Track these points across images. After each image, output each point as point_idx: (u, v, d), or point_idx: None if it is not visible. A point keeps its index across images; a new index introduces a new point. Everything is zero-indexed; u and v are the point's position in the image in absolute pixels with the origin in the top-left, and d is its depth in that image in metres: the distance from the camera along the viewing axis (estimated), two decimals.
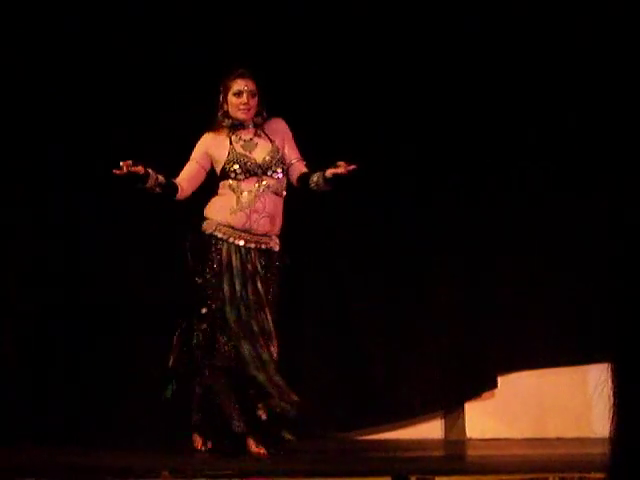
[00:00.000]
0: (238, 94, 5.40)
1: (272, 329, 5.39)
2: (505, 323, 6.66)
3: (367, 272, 6.68)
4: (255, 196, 5.35)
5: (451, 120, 6.70)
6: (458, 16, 6.65)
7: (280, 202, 5.45)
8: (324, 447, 6.21)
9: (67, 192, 6.49)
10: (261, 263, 5.39)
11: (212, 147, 5.48)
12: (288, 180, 5.55)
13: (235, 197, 5.36)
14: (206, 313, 5.37)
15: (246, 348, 5.32)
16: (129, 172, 5.20)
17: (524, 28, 6.66)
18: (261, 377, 5.31)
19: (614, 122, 6.55)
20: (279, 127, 5.54)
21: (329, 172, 5.32)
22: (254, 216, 5.34)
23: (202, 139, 5.54)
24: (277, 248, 5.45)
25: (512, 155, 6.69)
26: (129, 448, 5.84)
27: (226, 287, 5.34)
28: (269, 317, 5.40)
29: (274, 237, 5.44)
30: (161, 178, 5.39)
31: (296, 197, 5.77)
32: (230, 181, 5.39)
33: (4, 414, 6.26)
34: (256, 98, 5.45)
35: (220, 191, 5.46)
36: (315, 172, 5.45)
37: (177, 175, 5.56)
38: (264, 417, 5.30)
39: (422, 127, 6.69)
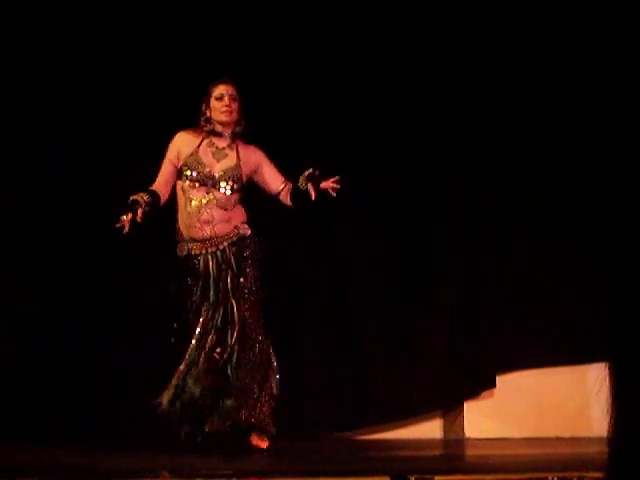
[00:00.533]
0: (220, 98, 5.56)
1: (236, 318, 5.45)
2: (504, 323, 6.66)
3: (367, 272, 6.68)
4: (200, 207, 5.47)
5: (451, 120, 6.71)
6: (456, 17, 6.67)
7: (231, 212, 5.54)
8: (323, 447, 6.22)
9: (67, 192, 6.50)
10: (234, 255, 5.51)
11: (183, 145, 5.59)
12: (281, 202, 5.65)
13: (184, 201, 5.50)
14: (177, 327, 5.56)
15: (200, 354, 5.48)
16: (133, 223, 5.38)
17: (522, 28, 6.67)
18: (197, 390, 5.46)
19: (614, 122, 6.55)
20: (254, 155, 5.64)
21: (323, 185, 5.45)
22: (207, 227, 5.49)
23: (175, 138, 5.64)
24: (248, 232, 5.55)
25: (512, 155, 6.69)
26: (128, 448, 5.84)
27: (198, 294, 5.50)
28: (236, 308, 5.46)
29: (240, 225, 5.55)
30: (147, 198, 5.48)
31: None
32: (182, 183, 5.54)
33: (4, 414, 6.27)
34: (237, 103, 5.59)
35: (177, 191, 5.59)
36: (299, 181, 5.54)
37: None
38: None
39: (422, 127, 6.70)
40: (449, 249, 6.71)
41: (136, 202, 5.42)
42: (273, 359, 5.58)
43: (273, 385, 5.54)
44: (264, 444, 5.44)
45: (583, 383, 6.56)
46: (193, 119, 5.80)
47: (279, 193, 5.64)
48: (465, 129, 6.70)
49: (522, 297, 6.67)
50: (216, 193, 5.49)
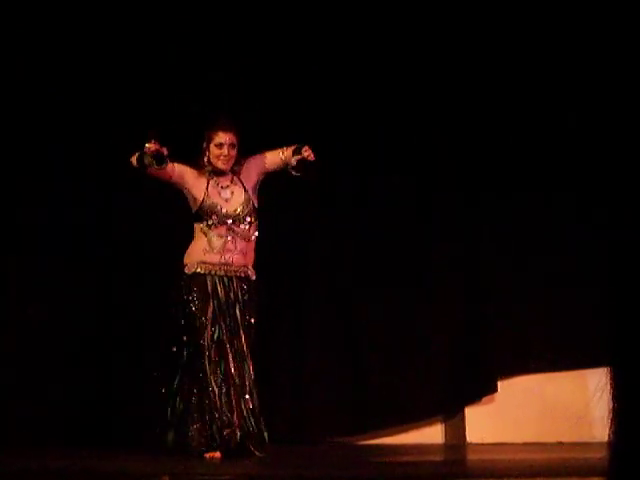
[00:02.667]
0: (219, 146, 5.73)
1: (246, 352, 5.62)
2: (505, 327, 6.65)
3: (367, 276, 6.68)
4: (225, 241, 5.67)
5: (449, 122, 6.71)
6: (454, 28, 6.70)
7: (250, 243, 5.75)
8: (324, 452, 6.20)
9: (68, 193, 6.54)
10: (242, 290, 5.69)
11: (192, 179, 5.74)
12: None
13: (207, 240, 5.69)
14: (188, 340, 5.63)
15: (215, 368, 5.58)
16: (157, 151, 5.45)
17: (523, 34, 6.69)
18: (222, 400, 5.54)
19: (618, 126, 6.53)
20: (249, 166, 5.81)
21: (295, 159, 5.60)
22: (227, 254, 5.69)
23: (186, 166, 5.74)
24: (254, 277, 5.75)
25: (513, 157, 6.69)
26: (130, 452, 5.84)
27: (210, 313, 5.62)
28: (244, 341, 5.63)
29: (250, 267, 5.74)
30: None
31: (296, 201, 5.86)
32: (202, 225, 5.71)
33: (5, 417, 6.27)
34: (236, 149, 5.76)
35: (195, 234, 5.76)
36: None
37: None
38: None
39: (421, 129, 6.71)
40: (449, 253, 6.70)
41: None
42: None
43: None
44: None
45: (584, 388, 6.55)
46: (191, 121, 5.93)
47: (285, 160, 5.70)
48: (464, 131, 6.71)
49: (523, 302, 6.66)
50: (236, 228, 5.70)
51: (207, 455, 5.46)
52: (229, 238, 5.67)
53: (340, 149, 6.56)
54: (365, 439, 6.69)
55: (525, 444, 6.58)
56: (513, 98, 6.70)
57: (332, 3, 6.70)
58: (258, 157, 5.79)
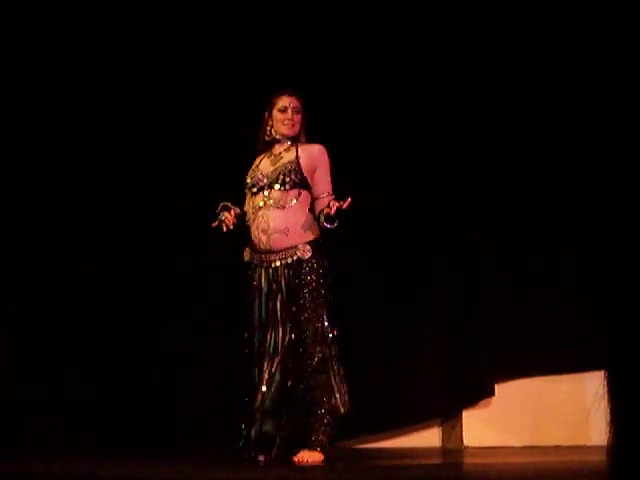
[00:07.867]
0: (283, 110, 5.58)
1: (284, 347, 5.39)
2: (503, 331, 6.65)
3: (365, 280, 6.67)
4: (257, 213, 5.44)
5: (449, 124, 6.71)
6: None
7: (290, 214, 5.42)
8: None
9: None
10: (289, 277, 5.39)
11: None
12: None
13: (248, 211, 5.52)
14: (247, 337, 5.48)
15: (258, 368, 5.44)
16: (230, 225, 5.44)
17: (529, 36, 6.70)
18: (257, 401, 5.42)
19: (618, 129, 6.54)
20: (315, 154, 5.55)
21: (325, 211, 5.37)
22: (263, 237, 5.42)
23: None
24: (307, 255, 5.37)
25: (513, 157, 6.69)
26: (129, 457, 5.83)
27: (255, 311, 5.45)
28: (280, 335, 5.40)
29: (301, 246, 5.39)
30: (238, 210, 5.56)
31: None
32: (246, 194, 5.57)
33: (8, 421, 6.27)
34: (300, 115, 5.60)
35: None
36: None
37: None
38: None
39: (421, 131, 6.71)
40: (447, 257, 6.70)
41: (227, 206, 5.47)
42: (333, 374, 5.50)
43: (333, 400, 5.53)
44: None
45: (582, 391, 6.55)
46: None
47: (317, 199, 5.51)
48: (464, 132, 6.71)
49: (521, 306, 6.66)
50: (272, 193, 5.45)
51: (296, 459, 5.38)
52: (262, 205, 5.38)
53: (339, 148, 6.57)
54: (361, 443, 6.69)
55: (523, 447, 6.58)
56: (512, 93, 6.71)
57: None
58: (321, 161, 5.52)
